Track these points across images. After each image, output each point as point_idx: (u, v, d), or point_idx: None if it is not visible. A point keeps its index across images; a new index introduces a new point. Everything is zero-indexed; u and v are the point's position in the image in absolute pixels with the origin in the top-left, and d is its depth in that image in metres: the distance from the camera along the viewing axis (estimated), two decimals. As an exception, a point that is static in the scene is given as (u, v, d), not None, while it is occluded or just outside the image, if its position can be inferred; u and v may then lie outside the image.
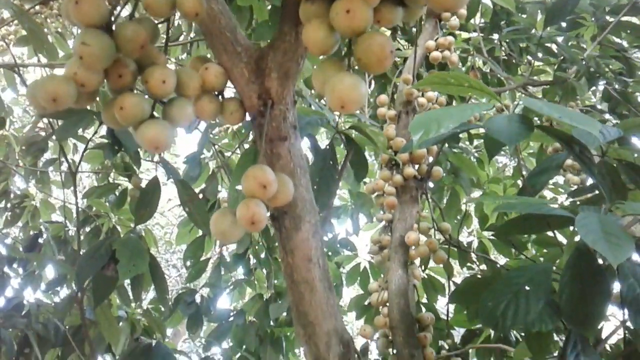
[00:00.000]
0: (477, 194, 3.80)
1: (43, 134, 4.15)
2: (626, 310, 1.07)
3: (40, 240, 3.60)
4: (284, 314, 3.46)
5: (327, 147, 1.31)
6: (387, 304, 1.58)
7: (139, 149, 2.16)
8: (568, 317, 0.97)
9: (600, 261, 1.06)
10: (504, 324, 0.98)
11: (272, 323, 3.51)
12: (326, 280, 0.79)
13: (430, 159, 1.71)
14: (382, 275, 1.85)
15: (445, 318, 3.01)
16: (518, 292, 1.01)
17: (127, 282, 3.50)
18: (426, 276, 3.33)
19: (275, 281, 3.66)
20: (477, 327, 2.96)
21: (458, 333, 3.14)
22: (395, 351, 1.52)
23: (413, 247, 1.60)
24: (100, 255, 1.73)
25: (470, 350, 2.85)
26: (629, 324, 1.09)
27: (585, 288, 0.98)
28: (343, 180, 4.26)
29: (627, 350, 1.22)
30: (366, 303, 3.03)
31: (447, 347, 2.73)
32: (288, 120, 0.78)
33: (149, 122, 0.68)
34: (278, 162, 0.78)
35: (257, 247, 3.67)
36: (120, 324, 2.39)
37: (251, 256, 3.70)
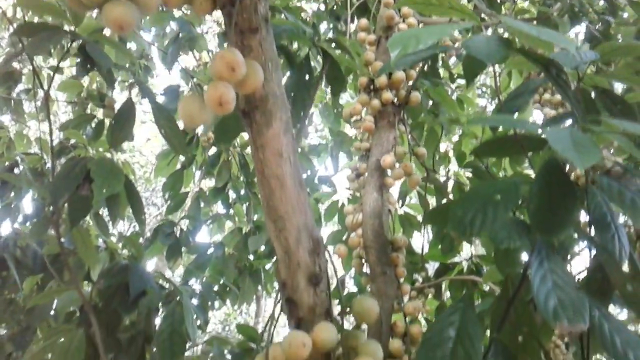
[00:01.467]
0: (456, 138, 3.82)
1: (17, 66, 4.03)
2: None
3: (17, 171, 3.55)
4: (263, 246, 3.50)
5: (303, 60, 1.29)
6: (362, 226, 1.60)
7: (112, 68, 2.11)
8: (535, 225, 0.99)
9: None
10: (472, 230, 1.01)
11: (251, 256, 3.56)
12: (297, 177, 0.80)
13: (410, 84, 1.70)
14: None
15: (420, 253, 3.07)
16: (487, 202, 1.03)
17: (104, 212, 3.50)
18: (403, 213, 3.37)
19: (255, 216, 3.69)
20: (450, 261, 3.03)
21: (432, 267, 3.22)
22: (368, 270, 1.55)
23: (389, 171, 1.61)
24: (75, 175, 1.71)
25: (443, 283, 2.94)
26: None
27: (553, 198, 1.00)
28: (323, 119, 4.25)
29: (592, 265, 1.26)
30: (344, 239, 3.09)
31: (421, 279, 2.80)
32: (259, 12, 0.76)
33: (113, 2, 0.65)
34: (249, 54, 0.76)
35: (237, 182, 3.69)
36: (100, 253, 2.41)
37: (230, 191, 3.72)
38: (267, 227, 0.82)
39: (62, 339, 1.85)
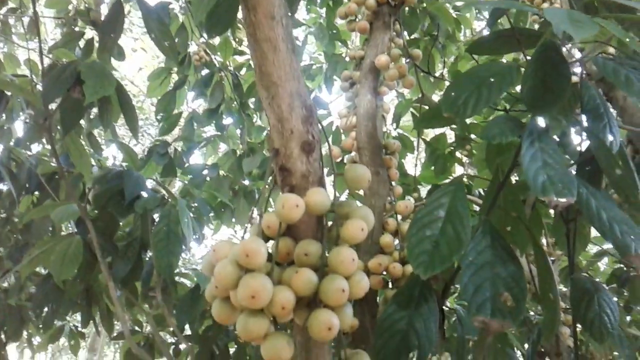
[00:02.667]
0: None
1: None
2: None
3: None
4: (257, 168, 3.52)
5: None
6: (355, 128, 1.60)
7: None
8: (529, 104, 0.99)
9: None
10: (465, 111, 1.01)
11: (245, 177, 3.58)
12: (290, 42, 0.78)
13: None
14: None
15: (413, 174, 3.09)
16: (482, 84, 1.03)
17: (97, 132, 3.47)
18: (397, 134, 3.37)
19: (249, 138, 3.69)
20: (443, 182, 3.06)
21: (424, 188, 3.26)
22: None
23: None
24: (65, 78, 1.69)
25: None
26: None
27: (547, 77, 1.00)
28: (317, 42, 4.17)
29: (581, 158, 1.27)
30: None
31: (413, 200, 2.84)
32: None
33: None
34: None
35: (230, 103, 3.65)
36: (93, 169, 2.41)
37: (224, 113, 3.69)
38: (260, 95, 0.81)
39: (60, 246, 1.88)
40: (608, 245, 3.33)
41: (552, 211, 2.11)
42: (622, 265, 2.89)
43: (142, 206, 1.69)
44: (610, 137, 1.16)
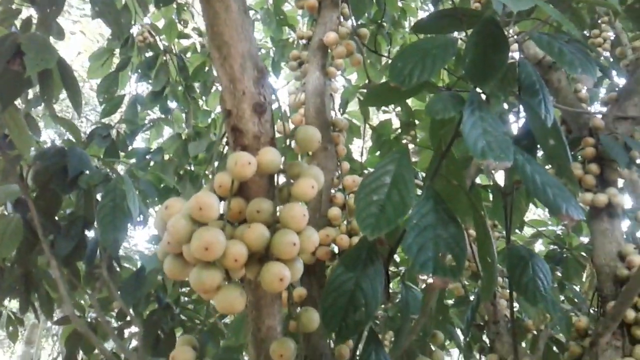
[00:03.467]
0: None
1: None
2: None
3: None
4: (203, 152, 3.48)
5: None
6: (304, 105, 1.62)
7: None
8: (470, 75, 1.05)
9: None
10: (410, 80, 1.05)
11: (190, 161, 3.54)
12: (241, 3, 0.80)
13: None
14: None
15: (360, 159, 3.14)
16: (425, 55, 1.07)
17: (35, 111, 3.35)
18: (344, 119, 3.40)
19: (194, 121, 3.64)
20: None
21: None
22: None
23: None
24: (5, 50, 1.63)
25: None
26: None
27: (487, 50, 1.05)
28: (265, 27, 4.15)
29: (519, 133, 1.34)
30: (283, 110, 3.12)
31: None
32: None
33: None
34: None
35: (175, 87, 3.60)
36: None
37: (169, 96, 3.63)
38: (212, 57, 0.82)
39: (-3, 225, 1.82)
40: (543, 228, 3.50)
41: (491, 195, 2.21)
42: (556, 247, 3.06)
43: (86, 181, 1.65)
44: (544, 111, 1.23)
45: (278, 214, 0.81)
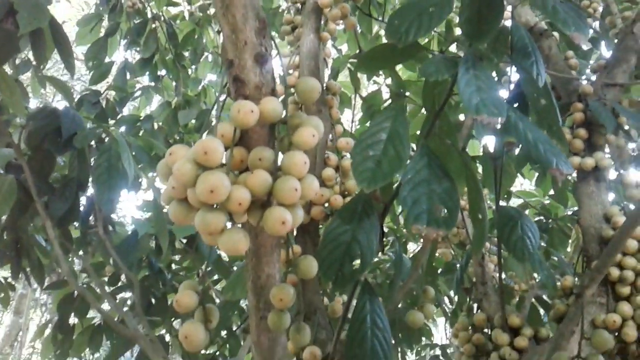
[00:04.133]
0: None
1: None
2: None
3: None
4: (193, 120, 3.48)
5: None
6: (298, 68, 1.63)
7: None
8: (466, 33, 1.07)
9: None
10: (407, 37, 1.07)
11: (180, 129, 3.54)
12: (244, -47, 0.80)
13: None
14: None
15: (350, 129, 3.15)
16: (422, 12, 1.09)
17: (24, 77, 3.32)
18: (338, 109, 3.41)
19: (183, 89, 3.63)
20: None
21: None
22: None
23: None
24: (-4, 7, 1.62)
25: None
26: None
27: (482, 8, 1.07)
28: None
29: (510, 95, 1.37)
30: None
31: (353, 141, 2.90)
32: None
33: None
34: None
35: (165, 54, 3.57)
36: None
37: (158, 63, 3.60)
38: (215, 7, 0.83)
39: (-10, 186, 1.82)
40: (530, 199, 3.56)
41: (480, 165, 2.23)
42: (542, 218, 3.12)
43: (81, 141, 1.66)
44: (537, 72, 1.26)
45: (279, 162, 0.83)
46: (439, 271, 3.13)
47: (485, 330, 1.65)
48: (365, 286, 1.12)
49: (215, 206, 0.76)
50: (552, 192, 3.13)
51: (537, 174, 3.23)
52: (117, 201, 1.65)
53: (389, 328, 1.07)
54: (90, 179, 1.86)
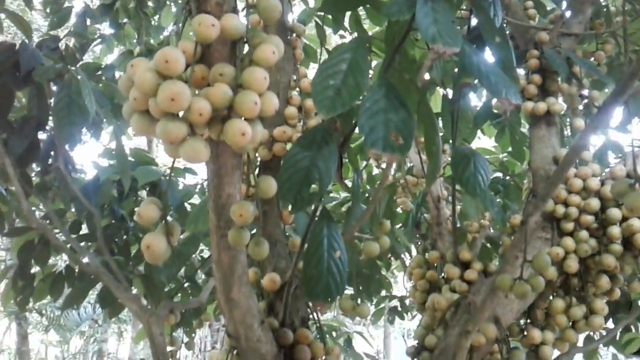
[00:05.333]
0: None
1: None
2: None
3: None
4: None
5: None
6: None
7: None
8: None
9: None
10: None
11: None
12: None
13: None
14: None
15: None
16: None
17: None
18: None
19: (146, 38, 3.55)
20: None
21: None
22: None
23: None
24: None
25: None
26: None
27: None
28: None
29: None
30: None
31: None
32: None
33: None
34: None
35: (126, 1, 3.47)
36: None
37: (120, 10, 3.51)
38: None
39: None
40: (488, 156, 3.65)
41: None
42: (500, 174, 3.22)
43: (40, 75, 1.63)
44: (494, 11, 1.30)
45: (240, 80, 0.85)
46: (399, 226, 3.22)
47: (439, 268, 1.73)
48: (323, 212, 1.16)
49: (176, 117, 0.78)
50: (510, 149, 3.23)
51: (496, 131, 3.31)
52: (79, 138, 1.64)
53: (345, 251, 1.13)
54: (50, 118, 1.84)
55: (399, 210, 3.10)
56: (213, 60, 0.88)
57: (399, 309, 4.13)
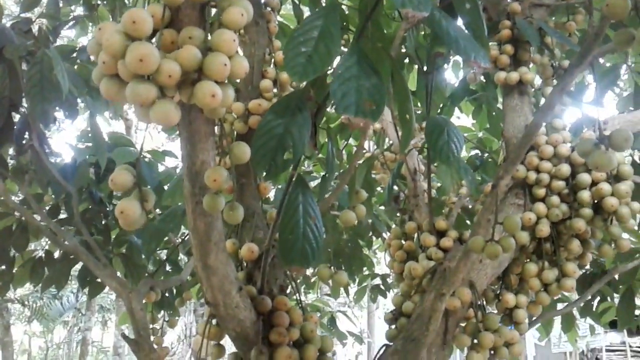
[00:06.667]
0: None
1: None
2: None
3: None
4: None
5: None
6: None
7: None
8: None
9: None
10: None
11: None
12: None
13: None
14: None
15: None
16: None
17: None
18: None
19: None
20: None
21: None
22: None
23: None
24: None
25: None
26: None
27: None
28: None
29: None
30: None
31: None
32: None
33: None
34: None
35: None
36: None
37: (93, -9, 3.45)
38: None
39: None
40: (466, 133, 3.69)
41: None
42: (478, 152, 3.26)
43: (11, 51, 1.61)
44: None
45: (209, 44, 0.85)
46: (381, 206, 3.25)
47: (416, 239, 1.75)
48: (298, 180, 1.17)
49: (146, 79, 0.78)
50: (487, 126, 3.26)
51: (473, 108, 3.34)
52: (53, 115, 1.63)
53: (320, 218, 1.14)
54: (23, 98, 1.81)
55: (379, 190, 3.13)
56: (182, 24, 0.88)
57: (382, 287, 4.17)
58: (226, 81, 0.85)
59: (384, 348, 1.44)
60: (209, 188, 0.95)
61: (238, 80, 1.63)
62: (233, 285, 1.11)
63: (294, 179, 1.17)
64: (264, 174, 1.05)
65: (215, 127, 1.08)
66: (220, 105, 0.83)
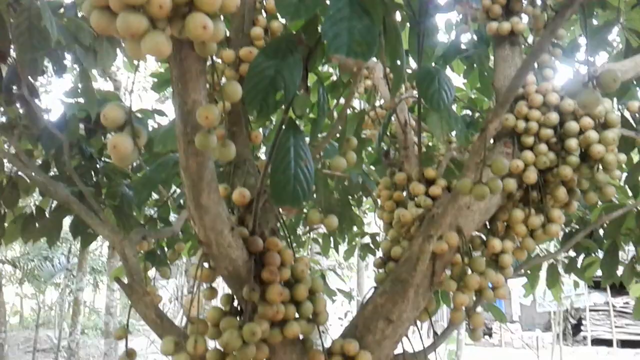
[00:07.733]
0: None
1: None
2: None
3: None
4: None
5: None
6: None
7: None
8: None
9: None
10: None
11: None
12: None
13: None
14: None
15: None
16: None
17: None
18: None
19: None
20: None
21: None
22: None
23: None
24: None
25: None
26: None
27: None
28: None
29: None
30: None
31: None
32: None
33: None
34: None
35: None
36: None
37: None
38: None
39: None
40: (457, 93, 3.68)
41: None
42: (469, 111, 3.27)
43: (-3, -2, 1.58)
44: None
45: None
46: (371, 166, 3.26)
47: (406, 189, 1.77)
48: (289, 122, 1.18)
49: (137, 10, 0.78)
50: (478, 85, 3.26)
51: (465, 68, 3.33)
52: (41, 64, 1.61)
53: (311, 159, 1.15)
54: (11, 47, 1.79)
55: (370, 150, 3.14)
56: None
57: (371, 245, 4.22)
58: (219, 16, 0.85)
59: (372, 290, 1.47)
60: (200, 127, 0.96)
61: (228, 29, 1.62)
62: (225, 224, 1.13)
63: (285, 122, 1.18)
64: (255, 113, 1.06)
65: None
66: (211, 39, 0.83)
